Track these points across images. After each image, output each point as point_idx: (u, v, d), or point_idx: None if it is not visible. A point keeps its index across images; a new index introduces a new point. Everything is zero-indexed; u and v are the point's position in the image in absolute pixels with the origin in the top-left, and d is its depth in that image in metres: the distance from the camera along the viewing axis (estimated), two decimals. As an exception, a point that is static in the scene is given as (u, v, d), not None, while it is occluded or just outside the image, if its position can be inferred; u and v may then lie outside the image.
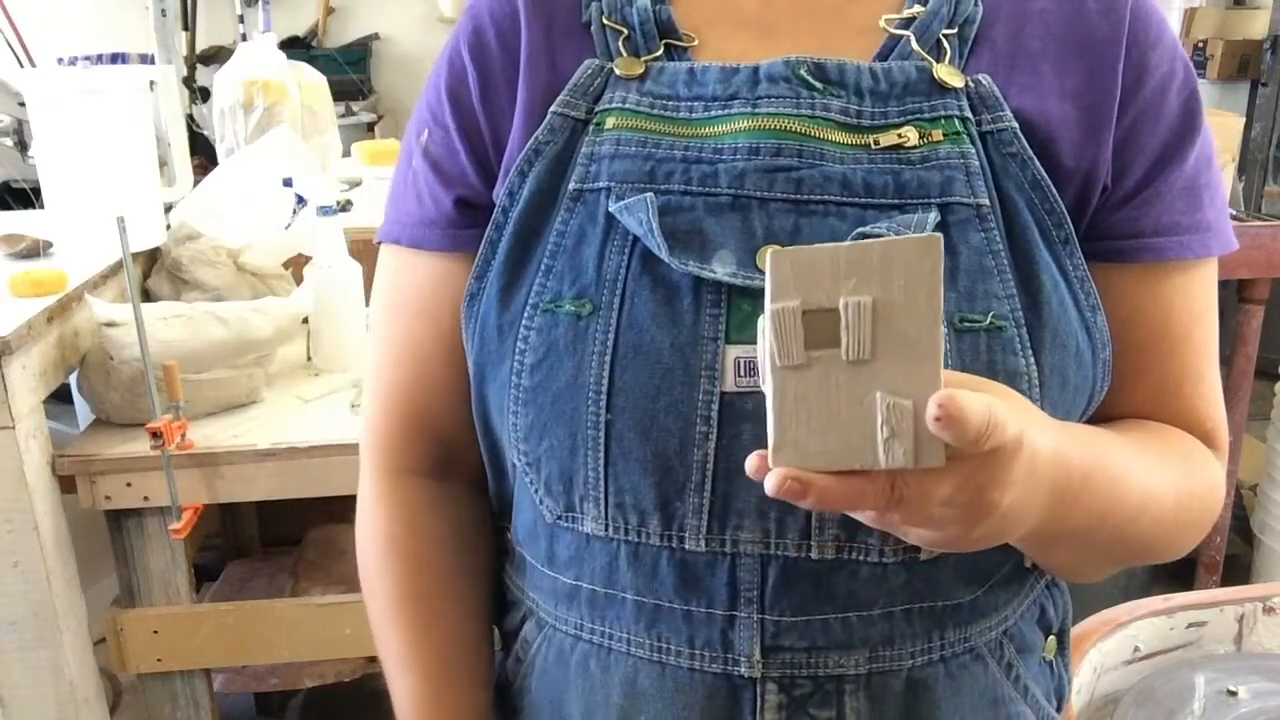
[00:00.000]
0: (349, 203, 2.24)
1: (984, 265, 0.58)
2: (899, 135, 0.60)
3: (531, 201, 0.63)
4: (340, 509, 2.00)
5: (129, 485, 1.47)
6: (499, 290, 0.63)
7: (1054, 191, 0.60)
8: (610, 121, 0.63)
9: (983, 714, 0.65)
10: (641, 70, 0.64)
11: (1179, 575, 2.52)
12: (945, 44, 0.62)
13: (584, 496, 0.61)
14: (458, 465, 0.74)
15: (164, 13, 2.98)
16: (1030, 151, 0.60)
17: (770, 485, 0.45)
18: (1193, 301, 0.64)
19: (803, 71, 0.61)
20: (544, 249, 0.62)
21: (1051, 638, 0.71)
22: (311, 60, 2.70)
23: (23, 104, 2.33)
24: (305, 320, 1.72)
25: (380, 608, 0.76)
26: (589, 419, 0.59)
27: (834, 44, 0.63)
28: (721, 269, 0.58)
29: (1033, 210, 0.60)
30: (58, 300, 1.51)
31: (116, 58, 2.31)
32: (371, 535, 0.79)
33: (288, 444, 1.50)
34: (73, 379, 1.61)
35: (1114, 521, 0.58)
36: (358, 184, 2.46)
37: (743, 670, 0.60)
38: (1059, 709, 0.72)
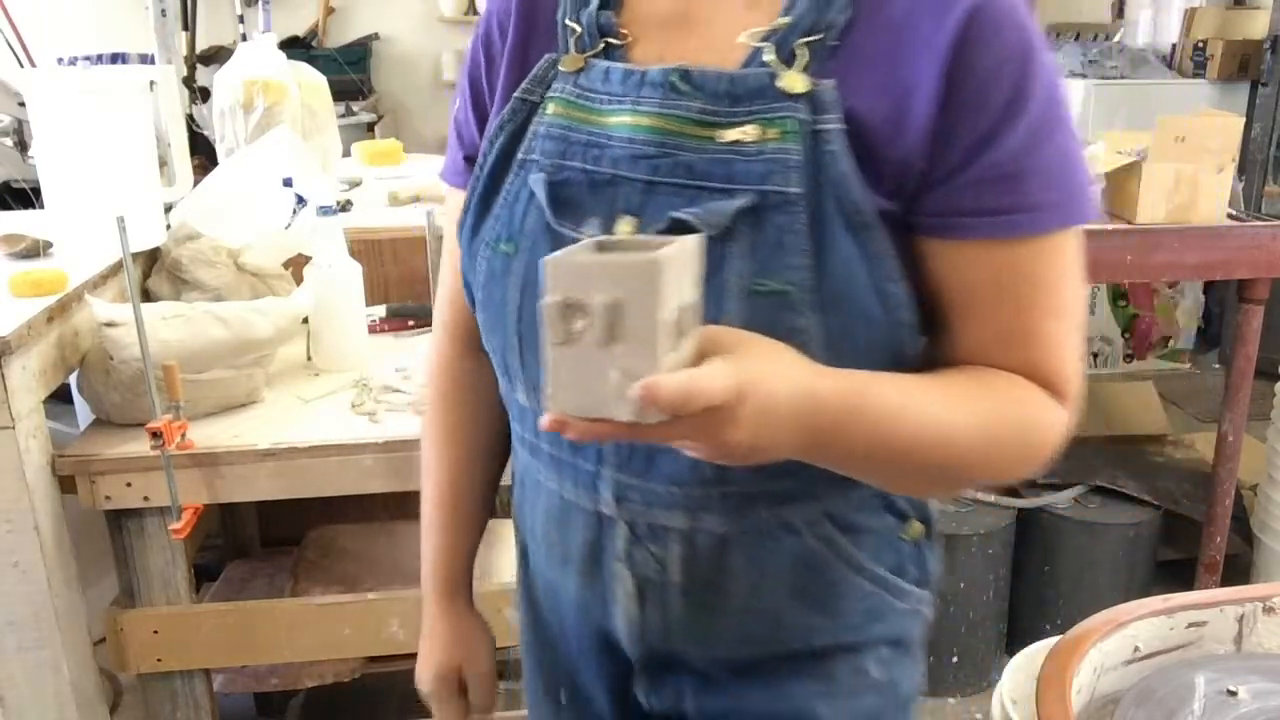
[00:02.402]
0: (349, 203, 2.24)
1: (783, 242, 0.71)
2: (742, 132, 0.72)
3: (494, 165, 0.81)
4: (340, 509, 2.00)
5: (129, 485, 1.47)
6: (471, 227, 0.83)
7: (858, 185, 0.70)
8: (551, 107, 0.79)
9: (794, 574, 0.81)
10: (581, 65, 0.79)
11: (1179, 575, 2.53)
12: (798, 54, 0.72)
13: (515, 380, 0.83)
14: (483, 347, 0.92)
15: (164, 13, 2.98)
16: (843, 149, 0.70)
17: (542, 424, 0.60)
18: (1020, 268, 0.73)
19: (674, 78, 0.74)
20: (499, 201, 0.81)
21: (915, 523, 0.85)
22: (311, 60, 2.70)
23: (23, 104, 2.33)
24: (305, 320, 1.72)
25: (424, 433, 1.03)
26: (511, 329, 0.80)
27: (717, 50, 0.75)
28: (587, 229, 0.75)
29: (837, 199, 0.71)
30: (58, 300, 1.51)
31: (116, 58, 2.32)
32: (428, 386, 1.02)
33: (288, 444, 1.50)
34: (73, 379, 1.61)
35: (887, 453, 0.70)
36: (358, 184, 2.47)
37: (605, 510, 0.82)
38: (924, 585, 0.87)
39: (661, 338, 0.57)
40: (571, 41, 0.80)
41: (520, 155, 0.79)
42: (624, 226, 0.74)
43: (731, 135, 0.73)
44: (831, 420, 0.66)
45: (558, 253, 0.61)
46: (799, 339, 0.69)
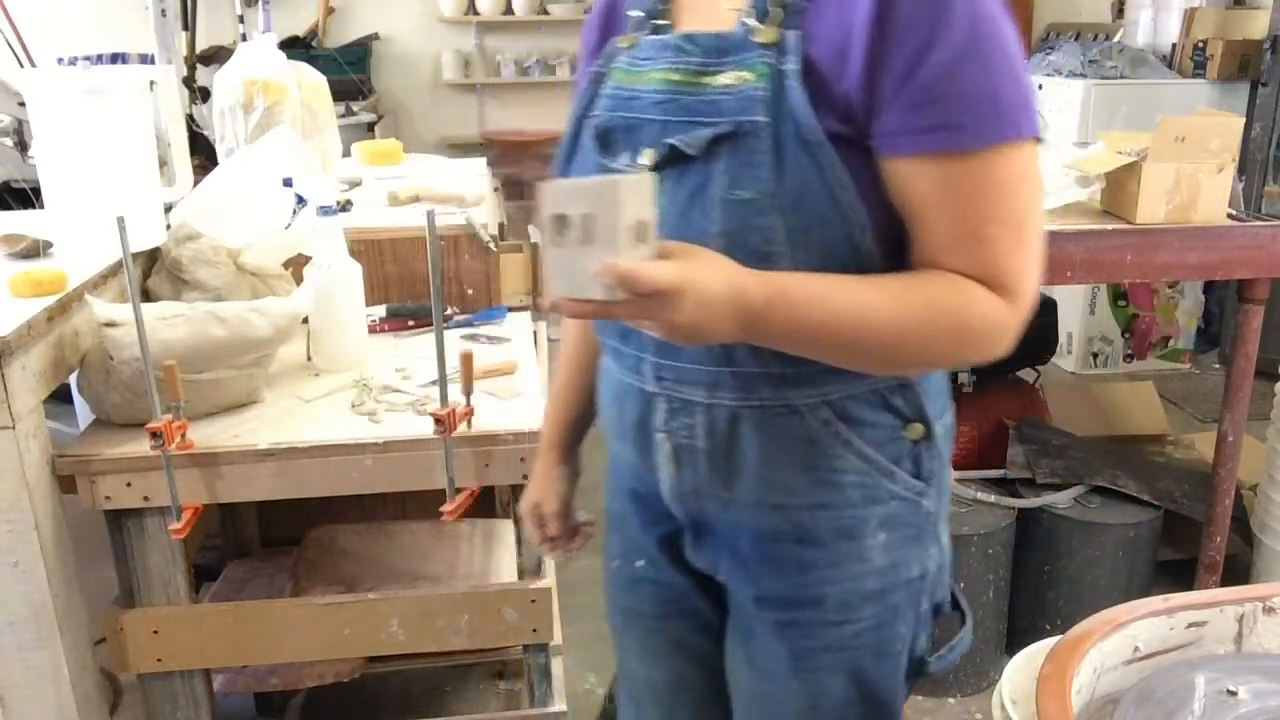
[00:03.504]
0: (349, 203, 2.24)
1: (753, 160, 0.90)
2: (728, 77, 0.93)
3: (575, 123, 1.06)
4: (340, 509, 2.00)
5: (129, 485, 1.47)
6: (564, 161, 1.07)
7: (806, 114, 0.88)
8: (613, 76, 1.03)
9: (795, 447, 0.99)
10: (634, 41, 1.02)
11: (1179, 575, 2.53)
12: (771, 12, 0.92)
13: None
14: None
15: (164, 13, 2.98)
16: (797, 86, 0.89)
17: (542, 304, 0.80)
18: (954, 181, 0.87)
19: (680, 41, 0.97)
20: (578, 149, 1.05)
21: (915, 424, 1.01)
22: (311, 60, 2.69)
23: (23, 104, 2.33)
24: (305, 320, 1.72)
25: (562, 333, 1.30)
26: None
27: (723, 18, 0.96)
28: (620, 161, 0.98)
29: (794, 124, 0.89)
30: (58, 300, 1.51)
31: (116, 58, 2.32)
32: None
33: (288, 444, 1.50)
34: (73, 379, 1.61)
35: (813, 331, 0.88)
36: (358, 184, 2.46)
37: (649, 388, 1.03)
38: (920, 478, 1.03)
39: (621, 238, 0.78)
40: (632, 25, 1.04)
41: (588, 114, 1.04)
42: (645, 156, 0.96)
43: (720, 80, 0.93)
44: (761, 305, 0.85)
45: (552, 181, 0.83)
46: (767, 235, 0.90)
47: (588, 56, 1.10)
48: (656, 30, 1.02)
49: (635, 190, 0.79)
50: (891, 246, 0.92)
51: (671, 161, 0.93)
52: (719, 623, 1.14)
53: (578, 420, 1.26)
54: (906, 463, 1.02)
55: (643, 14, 1.03)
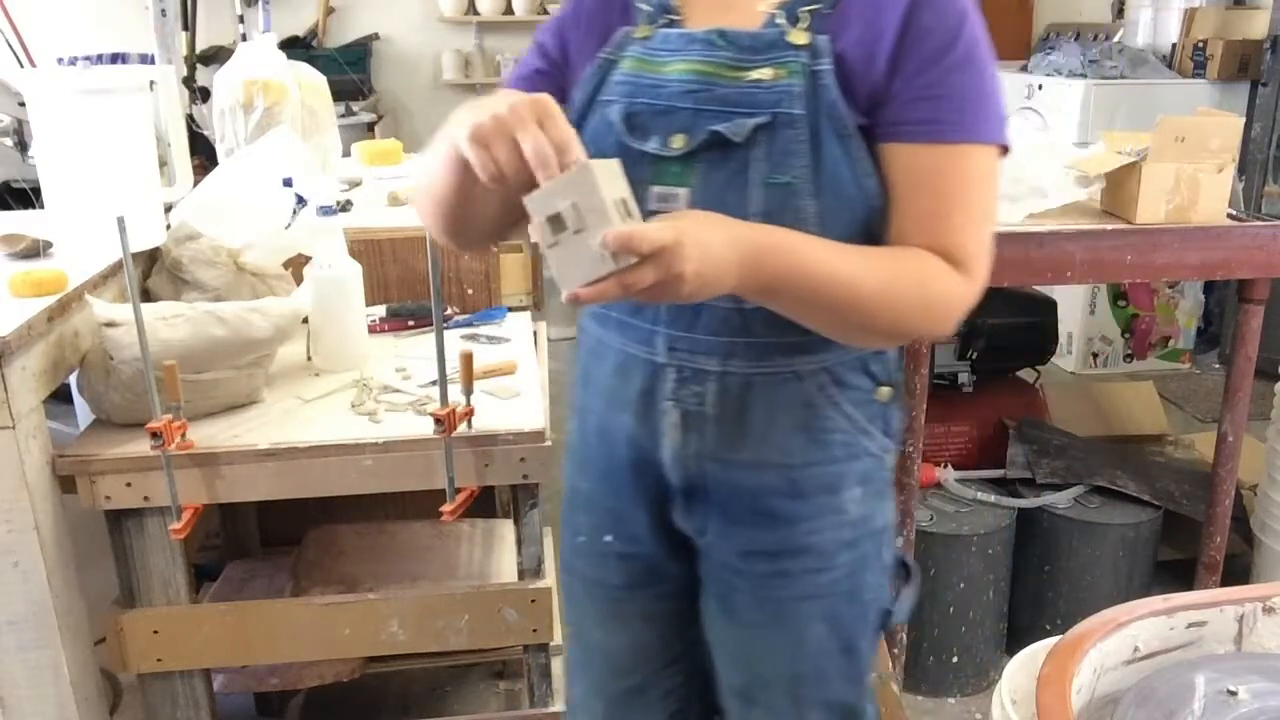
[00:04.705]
0: (349, 203, 2.24)
1: (789, 149, 0.99)
2: (761, 73, 1.01)
3: (582, 106, 1.09)
4: (340, 509, 2.00)
5: (129, 485, 1.47)
6: None
7: (841, 108, 0.99)
8: (625, 64, 1.08)
9: (796, 410, 1.08)
10: (648, 33, 1.08)
11: (1179, 575, 2.52)
12: (801, 17, 1.01)
13: None
14: None
15: (164, 13, 2.99)
16: (832, 83, 0.99)
17: (564, 299, 0.86)
18: (934, 167, 0.99)
19: (713, 36, 1.04)
20: (585, 132, 1.06)
21: (883, 387, 1.12)
22: (311, 60, 2.69)
23: (23, 104, 2.32)
24: (305, 320, 1.72)
25: None
26: None
27: (745, 17, 1.04)
28: (650, 145, 1.04)
29: (829, 118, 0.99)
30: (58, 300, 1.51)
31: (116, 58, 2.31)
32: None
33: (288, 444, 1.50)
34: (73, 379, 1.61)
35: (805, 287, 0.94)
36: (358, 184, 2.46)
37: (659, 359, 1.09)
38: (887, 435, 1.14)
39: (611, 212, 0.83)
40: (643, 17, 1.10)
41: (600, 98, 1.08)
42: (677, 141, 1.02)
43: (754, 75, 1.01)
44: (759, 249, 0.92)
45: (530, 193, 0.86)
46: (801, 216, 0.99)
47: (584, 33, 1.12)
48: (671, 24, 1.09)
49: (607, 171, 0.86)
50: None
51: (709, 148, 1.01)
52: (690, 586, 1.21)
53: None
54: (879, 422, 1.13)
55: (652, 7, 1.09)
